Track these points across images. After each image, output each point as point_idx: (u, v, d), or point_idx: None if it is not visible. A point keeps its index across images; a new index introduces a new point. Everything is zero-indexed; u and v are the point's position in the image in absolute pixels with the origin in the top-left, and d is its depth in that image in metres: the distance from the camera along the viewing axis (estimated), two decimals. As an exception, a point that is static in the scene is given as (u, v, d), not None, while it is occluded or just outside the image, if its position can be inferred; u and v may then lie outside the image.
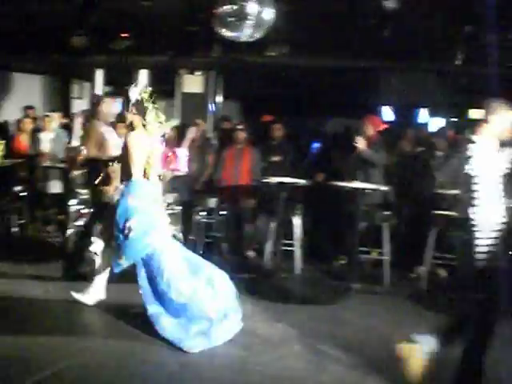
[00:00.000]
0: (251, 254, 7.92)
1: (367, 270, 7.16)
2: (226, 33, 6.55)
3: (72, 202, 7.36)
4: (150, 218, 5.04)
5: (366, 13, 8.12)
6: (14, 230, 8.20)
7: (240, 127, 8.32)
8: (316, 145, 9.84)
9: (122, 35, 9.55)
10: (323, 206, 7.88)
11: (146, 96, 5.16)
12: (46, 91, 12.60)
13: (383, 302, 6.35)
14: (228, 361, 4.53)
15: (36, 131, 9.04)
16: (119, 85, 13.34)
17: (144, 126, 5.14)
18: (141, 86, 5.29)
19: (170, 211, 7.55)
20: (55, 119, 9.14)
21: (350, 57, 9.47)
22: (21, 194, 8.15)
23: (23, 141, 8.92)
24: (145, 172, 5.12)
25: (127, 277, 5.19)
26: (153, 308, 4.87)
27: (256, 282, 6.88)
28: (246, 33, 6.43)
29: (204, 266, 5.08)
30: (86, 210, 6.92)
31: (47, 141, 8.73)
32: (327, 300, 6.31)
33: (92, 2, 8.38)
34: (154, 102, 5.19)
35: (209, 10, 6.82)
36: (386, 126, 11.28)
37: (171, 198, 7.51)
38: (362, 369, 4.49)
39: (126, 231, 4.93)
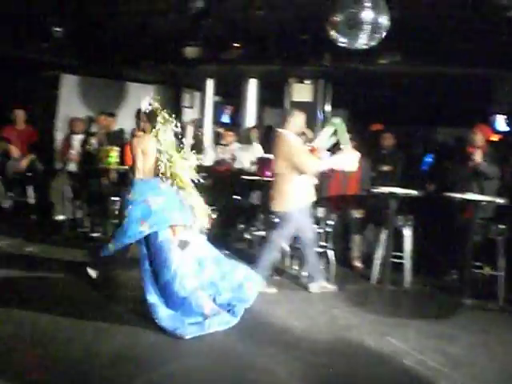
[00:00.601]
0: (359, 264, 7.82)
1: (480, 286, 6.90)
2: (340, 41, 6.49)
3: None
4: (147, 209, 5.43)
5: (482, 19, 7.86)
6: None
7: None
8: (431, 155, 9.63)
9: (234, 45, 9.70)
10: (435, 217, 7.67)
11: (155, 106, 5.76)
12: (158, 100, 12.96)
13: (496, 319, 6.09)
14: (334, 371, 4.46)
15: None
16: (228, 94, 13.63)
17: (154, 132, 5.68)
18: (149, 98, 5.82)
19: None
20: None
21: (464, 64, 9.20)
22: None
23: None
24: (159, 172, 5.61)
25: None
26: (153, 298, 5.17)
27: (363, 294, 6.79)
28: (361, 40, 6.35)
29: (215, 262, 5.57)
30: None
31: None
32: (437, 315, 6.09)
33: (205, 13, 8.55)
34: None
35: (319, 18, 6.81)
36: (498, 135, 10.92)
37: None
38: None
39: (121, 219, 5.56)
